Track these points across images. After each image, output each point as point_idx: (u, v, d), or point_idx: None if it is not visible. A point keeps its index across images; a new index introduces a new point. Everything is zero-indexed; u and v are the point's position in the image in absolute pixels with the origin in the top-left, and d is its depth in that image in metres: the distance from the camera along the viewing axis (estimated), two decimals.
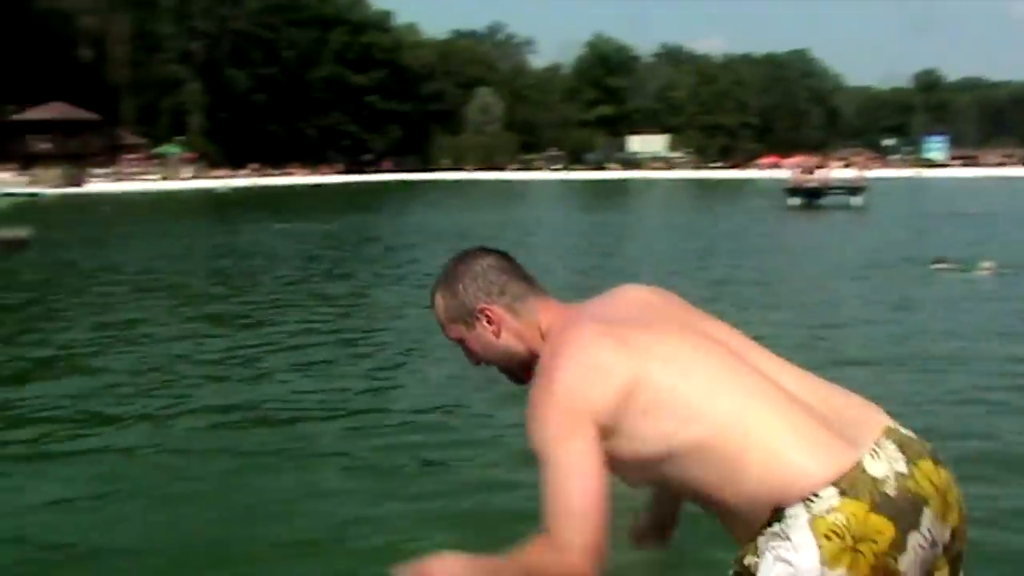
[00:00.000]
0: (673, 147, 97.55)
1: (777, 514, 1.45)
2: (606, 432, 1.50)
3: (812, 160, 47.00)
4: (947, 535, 1.48)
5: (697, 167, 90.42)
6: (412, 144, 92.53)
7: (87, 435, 6.25)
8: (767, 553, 1.45)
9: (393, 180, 74.97)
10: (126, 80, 77.48)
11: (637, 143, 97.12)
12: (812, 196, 34.34)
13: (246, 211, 37.26)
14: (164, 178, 68.20)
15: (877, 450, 1.46)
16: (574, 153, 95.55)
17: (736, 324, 1.75)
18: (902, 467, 1.45)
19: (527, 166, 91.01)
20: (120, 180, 66.03)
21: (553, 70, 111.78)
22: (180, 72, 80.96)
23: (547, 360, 1.60)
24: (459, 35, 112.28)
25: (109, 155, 71.89)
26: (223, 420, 6.50)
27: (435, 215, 32.37)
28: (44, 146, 70.08)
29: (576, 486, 1.45)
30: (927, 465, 1.47)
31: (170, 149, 75.18)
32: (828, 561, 1.39)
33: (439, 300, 1.76)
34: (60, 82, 69.38)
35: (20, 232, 14.82)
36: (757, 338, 1.71)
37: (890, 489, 1.42)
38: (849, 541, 1.39)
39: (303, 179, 73.68)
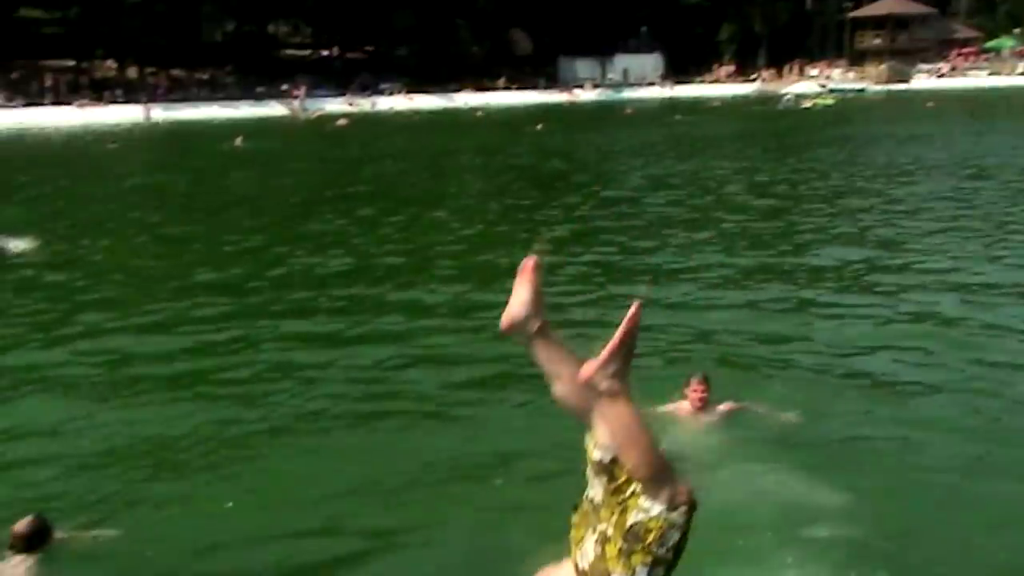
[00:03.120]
0: None
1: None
2: None
3: None
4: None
5: None
6: None
7: None
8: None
9: None
10: None
11: None
12: None
13: None
14: (993, 73, 65.66)
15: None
16: None
17: None
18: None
19: None
20: (943, 76, 65.69)
21: None
22: None
23: None
24: None
25: (939, 50, 70.69)
26: None
27: None
28: (874, 42, 70.96)
29: None
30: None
31: (1003, 43, 71.11)
32: None
33: None
34: None
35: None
36: None
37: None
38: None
39: None
